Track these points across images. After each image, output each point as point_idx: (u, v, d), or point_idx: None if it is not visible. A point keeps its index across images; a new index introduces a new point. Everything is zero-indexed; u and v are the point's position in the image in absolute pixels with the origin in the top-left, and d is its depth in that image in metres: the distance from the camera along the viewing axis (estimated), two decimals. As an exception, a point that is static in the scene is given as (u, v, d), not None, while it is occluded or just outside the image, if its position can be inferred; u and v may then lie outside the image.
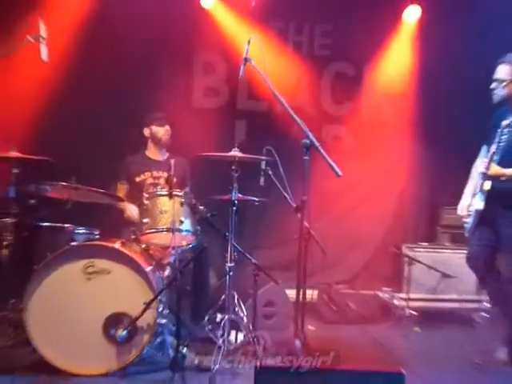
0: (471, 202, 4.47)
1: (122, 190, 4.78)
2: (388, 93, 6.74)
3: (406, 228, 6.72)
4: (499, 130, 4.21)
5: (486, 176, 4.20)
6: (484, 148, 4.58)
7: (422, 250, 5.67)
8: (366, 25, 6.54)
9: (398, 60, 6.77)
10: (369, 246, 6.66)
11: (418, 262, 5.49)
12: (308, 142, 3.85)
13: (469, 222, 4.49)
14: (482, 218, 4.34)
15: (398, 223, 6.71)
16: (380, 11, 6.52)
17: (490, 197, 4.20)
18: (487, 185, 4.19)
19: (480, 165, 4.38)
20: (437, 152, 6.48)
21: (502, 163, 4.15)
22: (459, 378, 3.87)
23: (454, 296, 5.52)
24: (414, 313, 5.33)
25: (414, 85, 6.64)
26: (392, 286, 5.76)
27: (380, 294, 5.74)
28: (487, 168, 4.18)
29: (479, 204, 4.30)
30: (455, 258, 5.62)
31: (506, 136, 4.19)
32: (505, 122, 4.18)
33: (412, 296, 5.40)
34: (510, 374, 3.96)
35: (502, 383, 3.76)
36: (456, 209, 6.38)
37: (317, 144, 3.84)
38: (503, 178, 4.13)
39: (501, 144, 4.20)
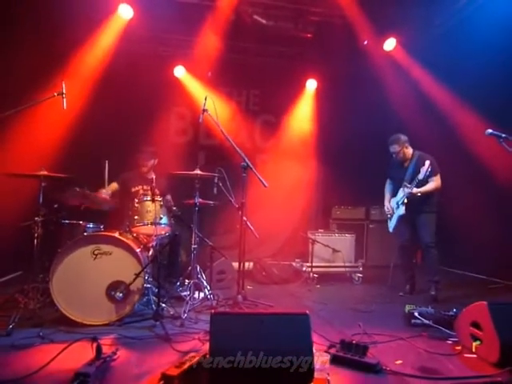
0: (393, 207, 4.73)
1: (113, 186, 4.62)
2: (297, 133, 6.80)
3: (309, 220, 6.77)
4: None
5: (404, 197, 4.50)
6: (388, 181, 4.97)
7: (320, 234, 5.71)
8: (282, 90, 6.60)
9: (303, 112, 6.88)
10: (286, 232, 6.64)
11: (318, 242, 5.53)
12: (245, 164, 3.87)
13: (392, 222, 4.77)
14: (401, 220, 4.63)
15: (304, 217, 6.74)
16: (291, 81, 6.65)
17: (407, 206, 4.49)
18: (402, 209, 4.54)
19: (401, 191, 4.59)
20: (329, 172, 6.57)
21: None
22: (345, 316, 3.88)
23: (341, 264, 5.55)
24: (316, 275, 5.36)
25: (314, 128, 6.76)
26: (301, 258, 5.74)
27: (293, 263, 5.73)
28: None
29: (402, 211, 4.54)
30: (340, 239, 5.71)
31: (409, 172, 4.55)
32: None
33: (314, 264, 5.41)
34: (384, 312, 3.99)
35: (372, 319, 3.76)
36: (341, 208, 6.51)
37: (251, 166, 3.85)
38: (418, 194, 4.39)
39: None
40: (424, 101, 5.79)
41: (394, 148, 4.64)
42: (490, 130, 3.33)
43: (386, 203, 4.88)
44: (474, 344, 2.88)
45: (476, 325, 2.91)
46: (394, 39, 5.91)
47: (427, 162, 4.25)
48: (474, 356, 2.85)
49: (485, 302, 2.86)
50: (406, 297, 4.58)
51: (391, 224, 4.83)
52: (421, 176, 4.26)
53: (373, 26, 5.61)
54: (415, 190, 4.38)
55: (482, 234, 5.71)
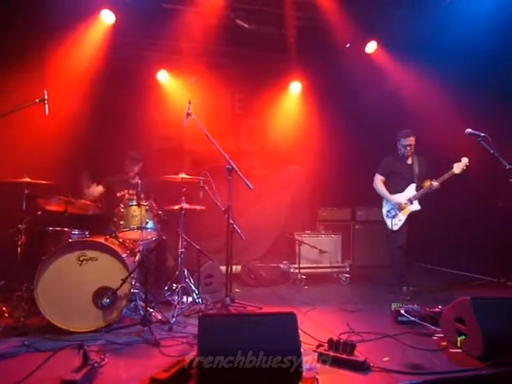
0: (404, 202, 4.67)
1: (99, 189, 4.56)
2: (282, 136, 6.79)
3: (296, 221, 6.78)
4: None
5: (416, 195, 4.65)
6: (381, 177, 4.90)
7: (306, 235, 5.73)
8: (266, 93, 6.64)
9: (288, 115, 6.86)
10: (272, 234, 6.61)
11: (305, 243, 5.56)
12: (230, 167, 3.88)
13: (399, 219, 4.68)
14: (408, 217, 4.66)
15: (290, 219, 6.76)
16: (275, 84, 6.66)
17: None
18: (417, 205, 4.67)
19: (411, 187, 4.70)
20: (315, 173, 6.62)
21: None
22: (333, 316, 3.93)
23: (328, 264, 5.59)
24: (303, 277, 5.38)
25: (299, 130, 6.73)
26: (289, 260, 5.75)
27: (281, 265, 5.72)
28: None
29: (417, 206, 4.65)
30: (327, 240, 5.75)
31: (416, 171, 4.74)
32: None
33: (301, 266, 5.43)
34: (371, 311, 4.04)
35: (359, 318, 3.81)
36: (327, 209, 6.54)
37: (236, 168, 3.87)
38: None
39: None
40: (405, 102, 5.90)
41: (412, 140, 4.67)
42: (469, 130, 3.43)
43: (397, 198, 4.68)
44: (459, 339, 2.94)
45: (460, 320, 2.97)
46: (375, 42, 6.02)
47: (465, 159, 4.41)
48: (459, 351, 2.91)
49: (468, 298, 2.93)
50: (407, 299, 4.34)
51: (396, 221, 4.64)
52: (457, 171, 4.41)
53: (355, 29, 5.69)
54: (438, 182, 4.50)
55: (466, 234, 5.84)
